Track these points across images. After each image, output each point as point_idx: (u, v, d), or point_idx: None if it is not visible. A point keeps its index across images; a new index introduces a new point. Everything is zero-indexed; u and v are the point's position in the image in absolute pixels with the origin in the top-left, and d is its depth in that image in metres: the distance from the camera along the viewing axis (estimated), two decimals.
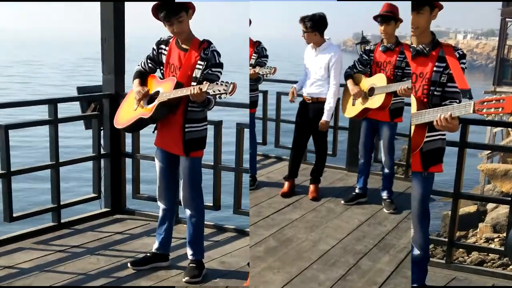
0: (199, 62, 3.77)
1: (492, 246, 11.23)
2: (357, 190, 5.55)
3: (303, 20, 5.35)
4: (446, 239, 4.60)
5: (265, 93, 6.85)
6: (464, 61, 3.26)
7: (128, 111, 4.06)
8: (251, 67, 5.52)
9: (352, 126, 6.39)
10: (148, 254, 4.28)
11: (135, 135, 5.17)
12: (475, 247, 9.62)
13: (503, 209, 11.83)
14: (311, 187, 5.70)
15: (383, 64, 5.12)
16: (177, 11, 3.72)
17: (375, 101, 5.06)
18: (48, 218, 5.00)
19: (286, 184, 5.75)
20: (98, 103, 5.20)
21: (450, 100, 3.24)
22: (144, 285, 4.01)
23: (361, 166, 5.55)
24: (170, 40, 3.95)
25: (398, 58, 5.03)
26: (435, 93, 3.31)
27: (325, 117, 5.40)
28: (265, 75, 5.41)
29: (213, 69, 3.77)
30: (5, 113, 10.71)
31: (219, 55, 3.82)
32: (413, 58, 3.41)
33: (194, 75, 3.77)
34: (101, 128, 5.21)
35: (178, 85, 3.74)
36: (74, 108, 5.47)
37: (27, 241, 4.66)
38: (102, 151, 5.25)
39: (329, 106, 5.36)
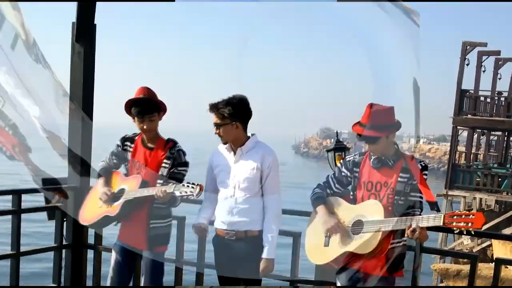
0: (165, 161, 3.77)
1: None
2: None
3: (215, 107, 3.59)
4: None
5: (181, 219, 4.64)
6: (426, 172, 3.37)
7: (94, 208, 3.99)
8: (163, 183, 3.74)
9: None
10: None
11: None
12: None
13: None
14: None
15: (376, 187, 3.42)
16: (150, 110, 3.76)
17: (364, 243, 3.31)
18: None
19: None
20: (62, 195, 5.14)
21: (413, 209, 3.34)
22: None
23: None
24: (136, 138, 3.93)
25: (399, 179, 3.37)
26: (399, 202, 3.35)
27: (267, 255, 3.61)
28: (184, 197, 3.55)
29: (179, 168, 3.78)
30: None
31: (184, 154, 3.80)
32: (378, 169, 3.43)
33: (160, 173, 3.76)
34: (64, 219, 5.15)
35: (144, 184, 3.72)
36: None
37: None
38: (64, 242, 5.16)
39: (271, 237, 3.61)
